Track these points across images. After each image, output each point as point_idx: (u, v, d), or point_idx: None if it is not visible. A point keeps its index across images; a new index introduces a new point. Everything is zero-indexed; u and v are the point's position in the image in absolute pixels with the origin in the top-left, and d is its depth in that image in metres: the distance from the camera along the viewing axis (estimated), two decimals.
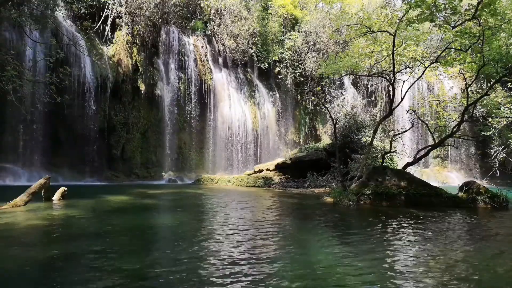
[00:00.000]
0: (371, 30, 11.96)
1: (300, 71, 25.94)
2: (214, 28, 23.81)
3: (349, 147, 16.34)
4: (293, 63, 25.92)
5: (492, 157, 21.16)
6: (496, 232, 6.42)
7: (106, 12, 19.18)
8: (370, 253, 4.60)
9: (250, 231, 5.87)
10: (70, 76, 15.34)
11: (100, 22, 19.07)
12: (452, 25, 10.72)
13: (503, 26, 10.25)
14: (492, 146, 21.43)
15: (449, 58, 12.08)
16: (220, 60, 24.24)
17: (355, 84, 28.47)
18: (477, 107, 15.36)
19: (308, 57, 25.65)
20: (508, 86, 19.30)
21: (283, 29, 26.73)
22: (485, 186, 10.56)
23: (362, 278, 3.59)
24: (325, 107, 15.09)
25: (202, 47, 23.12)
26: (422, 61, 12.91)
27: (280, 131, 26.04)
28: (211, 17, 23.89)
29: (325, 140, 24.04)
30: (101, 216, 7.23)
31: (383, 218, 7.53)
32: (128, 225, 6.29)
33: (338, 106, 20.42)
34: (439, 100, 24.38)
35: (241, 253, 4.42)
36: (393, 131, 22.15)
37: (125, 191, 12.22)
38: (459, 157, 26.60)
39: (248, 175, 18.36)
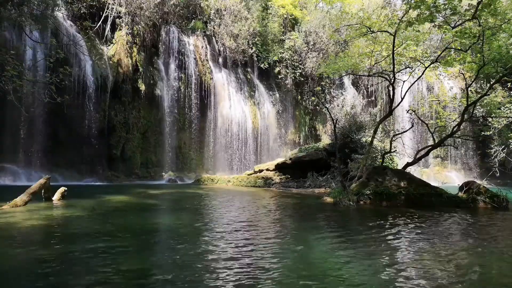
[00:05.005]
0: (371, 30, 11.95)
1: (300, 71, 25.94)
2: (214, 28, 23.81)
3: (349, 147, 16.35)
4: (293, 63, 25.92)
5: (492, 157, 21.16)
6: (497, 232, 6.41)
7: (106, 12, 19.17)
8: (369, 253, 4.59)
9: (250, 231, 5.87)
10: (70, 76, 15.34)
11: (100, 22, 19.07)
12: (452, 25, 10.72)
13: (503, 26, 10.25)
14: (492, 146, 21.42)
15: (449, 58, 12.08)
16: (220, 60, 24.24)
17: (355, 84, 28.49)
18: (477, 107, 15.38)
19: (308, 57, 25.65)
20: (508, 86, 19.33)
21: (283, 29, 26.73)
22: (485, 186, 10.57)
23: (361, 278, 3.59)
24: (325, 107, 15.11)
25: (202, 47, 23.13)
26: (422, 61, 12.91)
27: (280, 131, 26.03)
28: (211, 17, 23.89)
29: (325, 140, 24.03)
30: (101, 216, 7.23)
31: (383, 218, 7.53)
32: (128, 225, 6.29)
33: (338, 106, 20.41)
34: (439, 100, 24.39)
35: (241, 253, 4.42)
36: (393, 131, 22.16)
37: (125, 191, 12.22)
38: (459, 157, 26.61)
39: (248, 175, 18.36)
